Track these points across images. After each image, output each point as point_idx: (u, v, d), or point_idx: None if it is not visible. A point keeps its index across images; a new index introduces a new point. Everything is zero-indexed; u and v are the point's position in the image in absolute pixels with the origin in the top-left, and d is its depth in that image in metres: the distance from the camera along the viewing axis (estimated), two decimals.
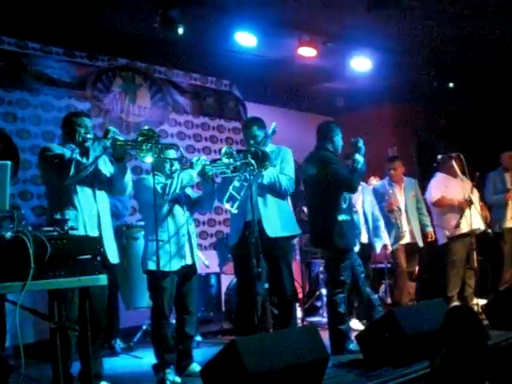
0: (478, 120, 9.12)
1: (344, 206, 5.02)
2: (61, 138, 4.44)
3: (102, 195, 4.19)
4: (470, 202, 6.67)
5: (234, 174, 4.53)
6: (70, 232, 3.25)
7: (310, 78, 8.11)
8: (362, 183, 6.32)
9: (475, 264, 6.92)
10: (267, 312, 5.35)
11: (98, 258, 3.27)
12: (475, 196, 6.90)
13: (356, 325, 5.88)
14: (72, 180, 3.96)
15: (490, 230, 6.91)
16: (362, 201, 6.36)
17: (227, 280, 6.70)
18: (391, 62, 7.55)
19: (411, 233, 6.81)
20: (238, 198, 4.51)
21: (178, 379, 4.28)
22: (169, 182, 4.39)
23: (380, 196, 6.77)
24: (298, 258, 7.12)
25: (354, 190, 5.13)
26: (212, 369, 3.58)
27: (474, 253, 6.93)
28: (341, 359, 4.57)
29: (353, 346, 4.83)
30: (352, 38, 6.97)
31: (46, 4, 5.59)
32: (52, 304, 3.44)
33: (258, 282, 4.45)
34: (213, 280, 6.72)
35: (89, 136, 4.10)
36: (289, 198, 5.04)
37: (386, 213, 6.67)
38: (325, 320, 5.99)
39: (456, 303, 6.49)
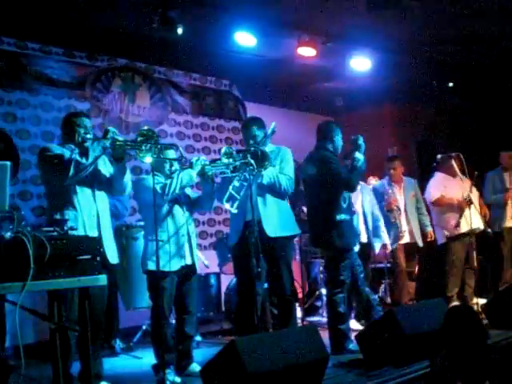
0: (477, 120, 9.11)
1: (344, 205, 5.02)
2: (60, 138, 4.44)
3: (101, 195, 4.19)
4: (469, 202, 6.67)
5: (234, 174, 4.53)
6: (70, 232, 3.25)
7: (309, 77, 8.11)
8: (361, 183, 6.33)
9: (475, 263, 6.93)
10: (267, 312, 5.35)
11: (98, 259, 3.27)
12: (474, 195, 6.90)
13: (354, 325, 5.88)
14: (71, 180, 3.96)
15: (489, 230, 6.90)
16: (362, 200, 6.36)
17: (227, 280, 6.70)
18: (391, 62, 7.55)
19: (411, 232, 6.82)
20: (238, 197, 4.52)
21: (177, 379, 4.28)
22: (168, 182, 4.39)
23: (380, 195, 6.77)
24: (297, 257, 7.12)
25: (353, 189, 5.13)
26: (212, 369, 3.58)
27: (474, 252, 6.93)
28: (341, 359, 4.56)
29: (353, 345, 4.83)
30: (352, 37, 6.97)
31: (45, 4, 5.59)
32: (52, 304, 3.44)
33: (258, 281, 4.45)
34: (212, 280, 6.72)
35: (88, 136, 4.09)
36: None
37: (386, 212, 6.68)
38: (325, 320, 5.99)
39: (456, 303, 6.49)
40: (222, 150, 4.59)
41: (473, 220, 6.68)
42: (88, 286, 3.37)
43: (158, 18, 5.86)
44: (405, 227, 6.78)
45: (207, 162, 4.58)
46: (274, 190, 4.70)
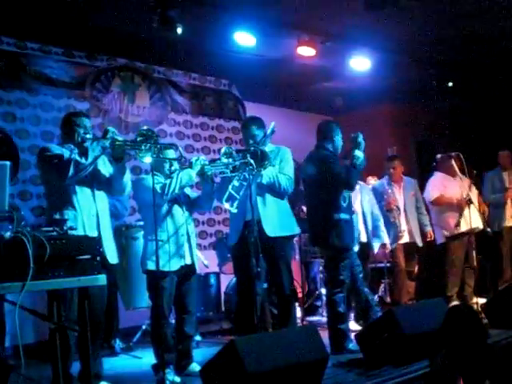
0: (477, 120, 9.11)
1: (344, 204, 5.02)
2: (60, 138, 4.44)
3: (101, 195, 4.19)
4: (469, 202, 6.68)
5: (234, 174, 4.53)
6: (69, 232, 3.25)
7: (309, 77, 8.11)
8: (360, 182, 6.33)
9: (474, 263, 6.94)
10: (266, 312, 5.35)
11: (98, 258, 3.27)
12: (473, 194, 6.90)
13: (353, 326, 5.88)
14: (71, 180, 3.96)
15: (489, 229, 6.91)
16: (361, 200, 6.35)
17: (227, 280, 6.71)
18: (390, 62, 7.55)
19: (410, 232, 6.82)
20: (238, 197, 4.52)
21: (177, 379, 4.28)
22: (168, 181, 4.38)
23: (379, 195, 6.77)
24: (297, 257, 7.12)
25: (352, 188, 5.11)
26: (211, 368, 3.58)
27: (474, 252, 6.94)
28: (340, 359, 4.56)
29: (352, 345, 4.82)
30: (351, 37, 6.97)
31: (45, 4, 5.59)
32: (51, 304, 3.44)
33: (258, 281, 4.45)
34: (212, 280, 6.72)
35: (88, 136, 4.09)
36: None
37: (385, 212, 6.68)
38: (324, 319, 5.99)
39: (455, 302, 6.49)
40: (222, 150, 4.59)
41: (472, 219, 6.68)
42: (87, 285, 3.37)
43: (157, 18, 5.85)
44: (404, 227, 6.78)
45: (207, 162, 4.58)
46: (274, 189, 4.70)
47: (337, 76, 8.09)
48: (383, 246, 6.47)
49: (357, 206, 6.20)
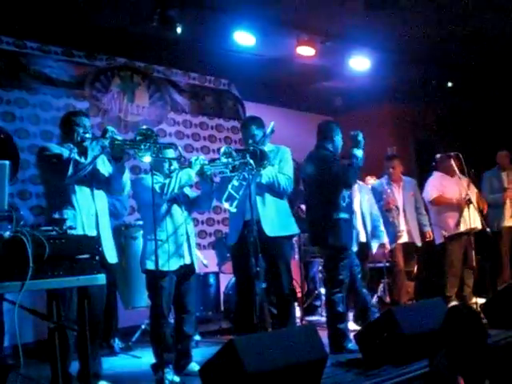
0: (477, 119, 9.11)
1: (343, 204, 5.01)
2: (59, 137, 4.44)
3: (100, 195, 4.19)
4: (468, 202, 6.68)
5: (233, 174, 4.53)
6: (69, 232, 3.25)
7: (308, 77, 8.11)
8: (359, 182, 6.33)
9: (473, 263, 6.93)
10: (265, 311, 5.35)
11: (97, 258, 3.27)
12: (472, 192, 6.90)
13: (352, 327, 5.87)
14: (70, 180, 3.96)
15: (488, 229, 6.91)
16: (360, 200, 6.35)
17: (226, 279, 6.71)
18: (390, 62, 7.55)
19: (409, 232, 6.83)
20: (237, 197, 4.52)
21: (176, 378, 4.27)
22: (167, 181, 4.38)
23: (378, 195, 6.78)
24: (296, 257, 7.11)
25: (349, 186, 5.10)
26: (211, 368, 3.58)
27: (473, 252, 6.93)
28: (340, 358, 4.56)
29: (352, 345, 4.82)
30: (351, 37, 6.97)
31: (44, 3, 5.59)
32: (50, 304, 3.44)
33: (257, 281, 4.45)
34: (212, 279, 6.72)
35: (87, 135, 4.09)
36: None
37: (384, 212, 6.68)
38: (323, 319, 5.98)
39: (455, 302, 6.49)
40: (222, 150, 4.59)
41: (471, 219, 6.69)
42: (87, 285, 3.37)
43: (157, 18, 5.86)
44: (403, 227, 6.79)
45: (206, 162, 4.58)
46: (273, 189, 4.70)
47: (336, 76, 8.10)
48: (382, 245, 6.47)
49: (356, 206, 6.19)
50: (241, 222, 4.67)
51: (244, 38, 6.52)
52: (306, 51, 6.95)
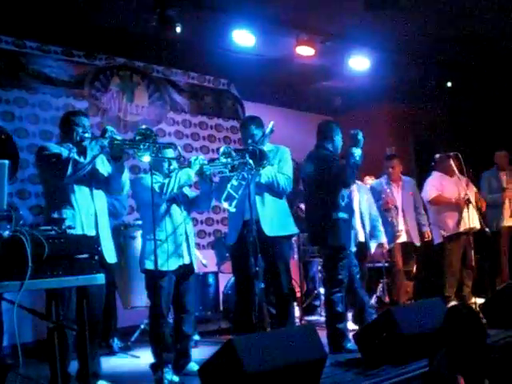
0: (476, 119, 9.11)
1: (342, 203, 5.01)
2: (58, 137, 4.44)
3: (99, 194, 4.19)
4: (467, 201, 6.68)
5: (232, 174, 4.53)
6: (68, 231, 3.25)
7: (308, 77, 8.10)
8: (358, 182, 6.33)
9: (472, 263, 6.94)
10: (263, 311, 5.34)
11: (96, 257, 3.27)
12: (471, 191, 6.91)
13: (351, 326, 5.87)
14: (69, 179, 3.96)
15: (487, 229, 6.91)
16: (359, 200, 6.34)
17: (225, 279, 6.70)
18: (389, 61, 7.56)
19: (407, 232, 6.83)
20: (236, 196, 4.52)
21: (175, 378, 4.28)
22: (166, 181, 4.38)
23: (377, 194, 6.78)
24: (295, 256, 7.11)
25: (348, 185, 5.10)
26: (210, 368, 3.58)
27: (472, 252, 6.94)
28: (339, 358, 4.56)
29: (351, 345, 4.82)
30: (350, 36, 6.97)
31: (43, 3, 5.59)
32: (50, 303, 3.43)
33: (256, 281, 4.44)
34: (211, 279, 6.71)
35: (86, 135, 4.09)
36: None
37: (383, 211, 6.68)
38: (323, 319, 5.99)
39: (454, 302, 6.50)
40: (221, 150, 4.59)
41: (470, 219, 6.69)
42: (86, 284, 3.37)
43: (156, 17, 5.86)
44: (402, 226, 6.79)
45: (205, 162, 4.58)
46: (273, 189, 4.70)
47: (336, 76, 8.09)
48: (380, 245, 6.46)
49: (354, 206, 6.19)
50: (240, 221, 4.67)
51: (243, 38, 6.52)
52: (305, 51, 6.95)
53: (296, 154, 5.34)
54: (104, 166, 4.25)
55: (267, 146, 4.77)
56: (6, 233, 2.92)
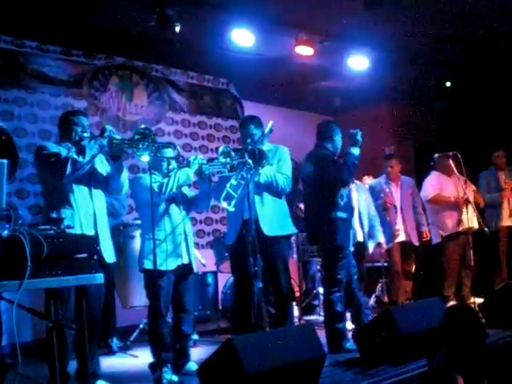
0: (476, 119, 9.12)
1: (341, 203, 5.01)
2: (57, 136, 4.43)
3: (98, 194, 4.19)
4: (466, 201, 6.69)
5: (231, 173, 4.53)
6: (67, 231, 3.24)
7: (307, 76, 8.10)
8: (356, 182, 6.34)
9: (471, 263, 6.95)
10: (262, 311, 5.35)
11: (95, 257, 3.26)
12: (470, 189, 6.91)
13: (350, 325, 5.88)
14: (68, 179, 3.96)
15: (486, 229, 6.92)
16: (357, 200, 6.34)
17: (224, 278, 6.70)
18: (389, 61, 7.55)
19: (406, 231, 6.83)
20: (235, 196, 4.52)
21: (174, 378, 4.28)
22: (165, 180, 4.38)
23: (376, 193, 6.78)
24: (294, 256, 7.11)
25: (344, 184, 5.10)
26: (209, 368, 3.58)
27: (471, 251, 6.95)
28: (338, 358, 4.57)
29: (350, 344, 4.83)
30: (349, 36, 6.97)
31: (43, 2, 5.58)
32: (49, 303, 3.43)
33: (255, 280, 4.44)
34: (210, 279, 6.71)
35: (85, 135, 4.09)
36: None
37: (382, 211, 6.68)
38: (322, 319, 5.98)
39: (453, 302, 6.50)
40: (220, 149, 4.59)
41: (469, 219, 6.70)
42: (85, 284, 3.36)
43: (155, 17, 5.85)
44: (400, 226, 6.80)
45: (205, 161, 4.58)
46: (272, 188, 4.70)
47: (335, 75, 8.08)
48: (378, 245, 6.47)
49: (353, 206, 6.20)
50: (239, 221, 4.67)
51: (243, 38, 6.51)
52: (304, 51, 6.94)
53: (295, 153, 5.34)
54: (103, 166, 4.25)
55: (266, 146, 4.77)
56: (5, 232, 2.92)
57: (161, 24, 5.88)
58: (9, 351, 4.79)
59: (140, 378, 4.57)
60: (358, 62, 7.47)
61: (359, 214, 6.33)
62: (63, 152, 4.03)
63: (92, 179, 4.14)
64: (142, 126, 4.26)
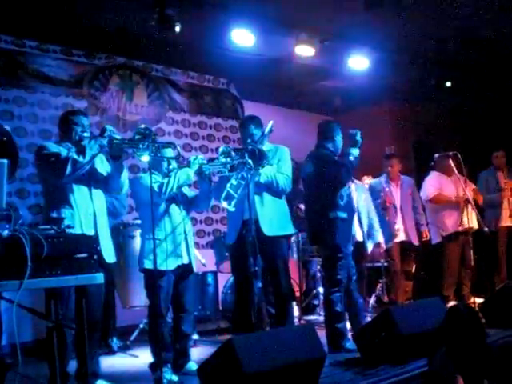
0: (476, 119, 9.12)
1: (341, 203, 5.01)
2: (57, 136, 4.43)
3: (98, 194, 4.19)
4: (466, 201, 6.69)
5: (231, 173, 4.53)
6: (67, 230, 3.24)
7: (307, 76, 8.10)
8: (356, 181, 6.33)
9: (471, 262, 6.94)
10: (262, 311, 5.35)
11: (95, 257, 3.27)
12: (470, 188, 6.91)
13: (350, 326, 5.88)
14: (68, 179, 3.96)
15: (486, 229, 6.92)
16: (357, 199, 6.34)
17: (224, 278, 6.70)
18: (389, 61, 7.56)
19: (405, 231, 6.83)
20: (235, 196, 4.52)
21: (174, 378, 4.28)
22: (166, 180, 4.38)
23: (376, 193, 6.78)
24: (295, 256, 7.11)
25: (342, 184, 5.09)
26: (209, 367, 3.58)
27: (470, 251, 6.94)
28: (338, 358, 4.56)
29: (350, 344, 4.82)
30: (350, 36, 6.97)
31: (43, 2, 5.58)
32: (49, 302, 3.43)
33: (255, 280, 4.45)
34: (210, 278, 6.71)
35: (85, 134, 4.09)
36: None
37: (381, 210, 6.68)
38: (322, 319, 5.99)
39: (453, 302, 6.50)
40: (220, 149, 4.59)
41: (469, 219, 6.70)
42: (85, 284, 3.36)
43: (155, 17, 5.86)
44: (399, 225, 6.79)
45: (205, 161, 4.58)
46: (272, 188, 4.70)
47: (335, 75, 8.09)
48: (377, 245, 6.46)
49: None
50: (239, 221, 4.67)
51: (243, 38, 6.51)
52: (305, 51, 6.94)
53: (295, 153, 5.34)
54: (103, 166, 4.25)
55: (266, 146, 4.77)
56: (6, 232, 2.92)
57: (161, 24, 5.89)
58: (9, 351, 4.79)
59: (140, 378, 4.57)
60: (358, 62, 7.47)
61: (358, 213, 6.32)
62: (63, 152, 4.03)
63: (92, 179, 4.14)
64: (143, 125, 4.26)
